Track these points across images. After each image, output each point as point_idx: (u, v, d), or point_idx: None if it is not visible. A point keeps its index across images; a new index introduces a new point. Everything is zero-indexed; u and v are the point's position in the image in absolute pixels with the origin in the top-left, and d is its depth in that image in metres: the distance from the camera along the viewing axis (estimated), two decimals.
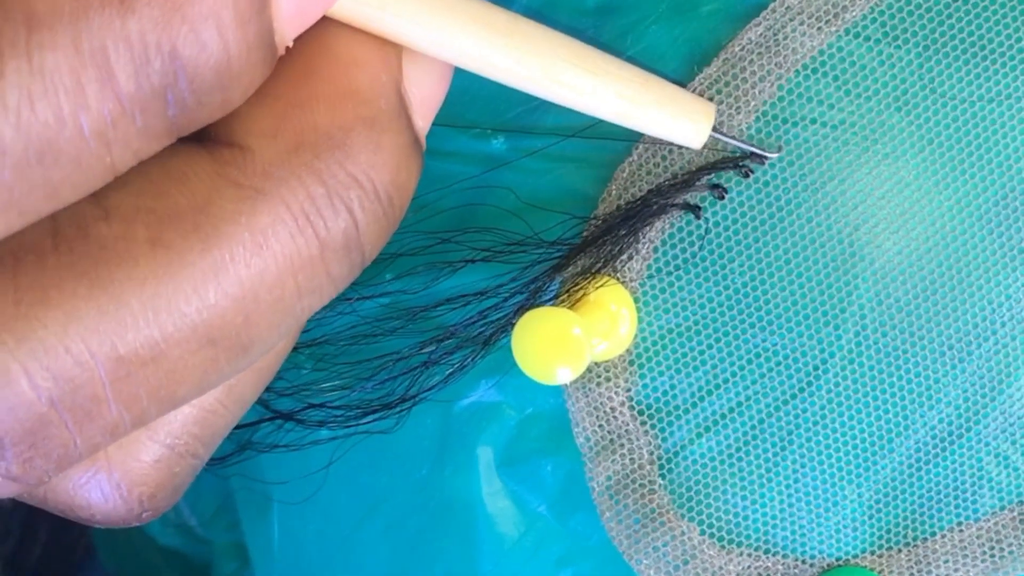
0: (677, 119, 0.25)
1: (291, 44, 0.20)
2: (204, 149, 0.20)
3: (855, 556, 0.29)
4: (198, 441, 0.24)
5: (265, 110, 0.21)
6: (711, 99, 0.27)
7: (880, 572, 0.29)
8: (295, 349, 0.30)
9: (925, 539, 0.29)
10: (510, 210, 0.29)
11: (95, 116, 0.18)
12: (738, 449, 0.29)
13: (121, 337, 0.19)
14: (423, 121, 0.23)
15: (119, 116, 0.18)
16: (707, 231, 0.28)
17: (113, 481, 0.23)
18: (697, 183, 0.28)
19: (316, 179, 0.20)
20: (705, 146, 0.27)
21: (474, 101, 0.29)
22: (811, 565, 0.29)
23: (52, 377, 0.19)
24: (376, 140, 0.21)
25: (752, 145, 0.27)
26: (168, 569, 0.44)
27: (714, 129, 0.27)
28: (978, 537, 0.29)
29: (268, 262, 0.20)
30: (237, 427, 0.31)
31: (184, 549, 0.44)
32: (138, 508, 0.23)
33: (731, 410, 0.29)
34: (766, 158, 0.27)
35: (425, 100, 0.23)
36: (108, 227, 0.19)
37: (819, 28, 0.27)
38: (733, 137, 0.27)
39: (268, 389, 0.30)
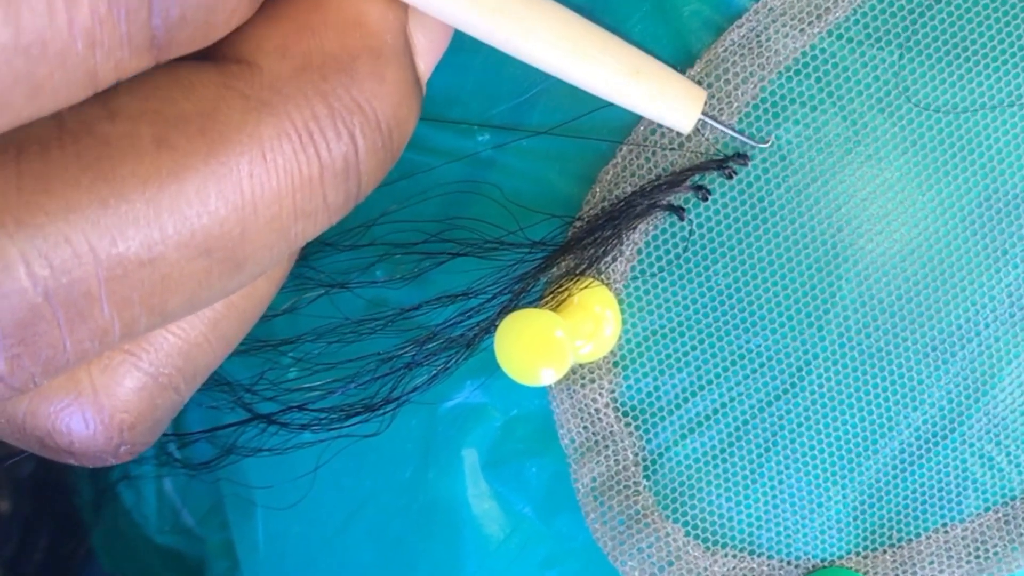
0: (669, 100, 0.25)
1: None
2: (212, 63, 0.21)
3: (840, 557, 0.29)
4: (181, 375, 0.24)
5: (274, 30, 0.21)
6: None
7: (865, 573, 0.29)
8: (279, 350, 0.30)
9: (910, 540, 0.29)
10: (497, 200, 0.29)
11: (84, 13, 0.18)
12: (723, 450, 0.29)
13: (121, 232, 0.19)
14: (425, 65, 0.24)
15: (105, 16, 0.18)
16: (691, 233, 0.28)
17: (96, 406, 0.23)
18: (681, 184, 0.28)
19: (321, 99, 0.21)
20: (691, 141, 0.27)
21: (460, 97, 0.29)
22: (796, 566, 0.29)
23: (49, 266, 0.19)
24: (380, 71, 0.22)
25: (740, 133, 0.27)
26: (165, 569, 0.45)
27: (706, 115, 0.27)
28: (963, 538, 0.29)
29: (270, 174, 0.20)
30: (220, 429, 0.31)
31: (180, 548, 0.44)
32: (118, 438, 0.23)
33: (715, 411, 0.29)
34: (754, 147, 0.27)
35: (428, 46, 0.24)
36: (113, 126, 0.19)
37: (801, 30, 0.27)
38: (723, 123, 0.27)
39: (251, 391, 0.31)
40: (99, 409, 0.23)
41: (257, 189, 0.20)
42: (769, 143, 0.27)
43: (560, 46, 0.24)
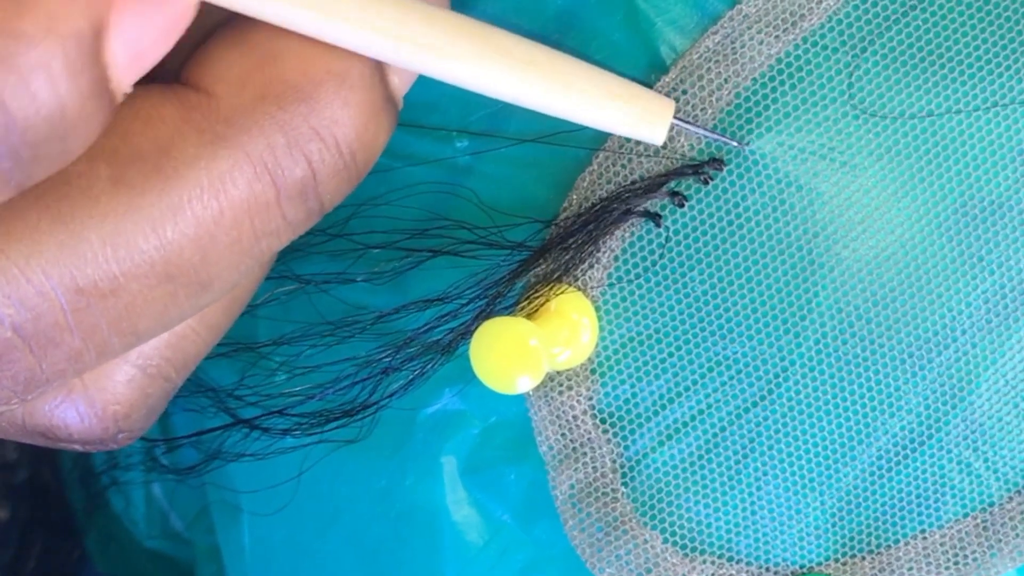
0: (638, 117, 0.25)
1: (130, 91, 0.20)
2: (172, 92, 0.21)
3: (819, 563, 0.29)
4: (170, 364, 0.24)
5: (237, 58, 0.21)
6: None
7: None
8: (260, 353, 0.30)
9: (888, 546, 0.29)
10: (476, 204, 0.29)
11: None
12: (700, 457, 0.29)
13: (80, 270, 0.20)
14: (400, 80, 0.24)
15: None
16: (667, 239, 0.28)
17: (87, 400, 0.24)
18: (657, 190, 0.28)
19: (278, 129, 0.21)
20: (666, 148, 0.27)
21: (438, 103, 0.29)
22: (775, 573, 0.29)
23: (13, 304, 0.19)
24: (344, 96, 0.22)
25: (715, 133, 0.27)
26: (157, 572, 0.45)
27: (679, 119, 0.27)
28: (941, 544, 0.29)
29: (224, 205, 0.21)
30: (202, 434, 0.31)
31: (170, 552, 0.44)
32: (113, 428, 0.24)
33: (693, 418, 0.29)
34: (731, 146, 0.27)
35: None
36: (72, 165, 0.20)
37: (776, 37, 0.27)
38: (697, 125, 0.27)
39: (235, 396, 0.31)
40: (91, 403, 0.24)
41: (213, 218, 0.21)
42: (745, 143, 0.27)
43: (523, 80, 0.24)
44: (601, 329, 0.28)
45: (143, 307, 0.21)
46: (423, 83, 0.26)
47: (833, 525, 0.29)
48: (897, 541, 0.29)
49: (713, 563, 0.29)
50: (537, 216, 0.28)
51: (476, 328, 0.27)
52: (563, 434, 0.29)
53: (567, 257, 0.28)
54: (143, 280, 0.20)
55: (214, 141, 0.21)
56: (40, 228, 0.19)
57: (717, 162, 0.27)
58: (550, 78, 0.24)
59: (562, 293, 0.28)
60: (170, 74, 0.22)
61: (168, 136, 0.20)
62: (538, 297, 0.28)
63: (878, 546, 0.29)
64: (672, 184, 0.28)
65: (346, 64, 0.22)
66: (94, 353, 0.21)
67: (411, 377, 0.28)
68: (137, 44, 0.19)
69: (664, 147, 0.27)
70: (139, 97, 0.21)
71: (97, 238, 0.20)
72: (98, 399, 0.24)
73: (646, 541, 0.29)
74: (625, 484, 0.29)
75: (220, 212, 0.21)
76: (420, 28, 0.22)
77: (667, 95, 0.27)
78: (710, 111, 0.27)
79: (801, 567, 0.29)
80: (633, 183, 0.28)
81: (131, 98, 0.21)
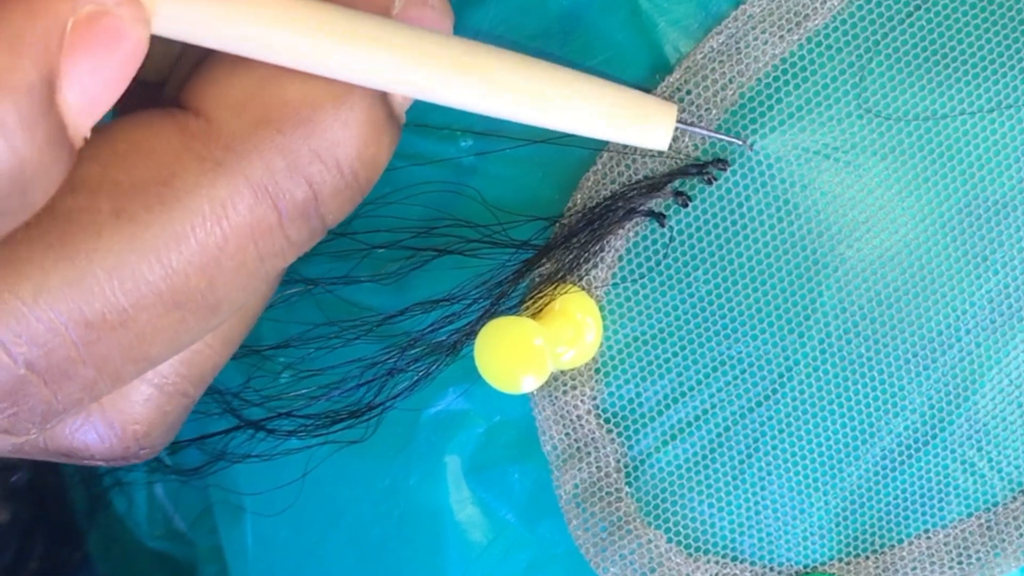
0: (639, 125, 0.25)
1: (88, 135, 0.20)
2: (171, 118, 0.21)
3: (823, 563, 0.29)
4: (186, 380, 0.24)
5: (235, 81, 0.21)
6: None
7: None
8: (266, 355, 0.30)
9: (892, 546, 0.29)
10: (480, 203, 0.29)
11: None
12: (704, 456, 0.29)
13: (89, 304, 0.20)
14: (403, 96, 0.24)
15: None
16: (671, 239, 0.28)
17: (106, 422, 0.24)
18: (661, 190, 0.28)
19: (278, 153, 0.21)
20: (670, 148, 0.27)
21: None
22: (779, 572, 0.29)
23: (25, 343, 0.20)
24: (344, 117, 0.22)
25: (719, 134, 0.27)
26: (159, 573, 0.45)
27: (681, 123, 0.27)
28: (945, 544, 0.29)
29: (227, 231, 0.21)
30: (209, 437, 0.31)
31: (172, 553, 0.44)
32: (134, 446, 0.24)
33: (697, 418, 0.29)
34: (735, 144, 0.27)
35: None
36: (74, 200, 0.20)
37: (781, 37, 0.27)
38: (699, 127, 0.27)
39: (240, 398, 0.31)
40: (110, 424, 0.24)
41: (217, 244, 0.21)
42: (749, 143, 0.27)
43: (520, 110, 0.24)
44: (605, 329, 0.28)
45: (153, 335, 0.21)
46: None
47: (837, 525, 0.29)
48: (901, 541, 0.29)
49: (717, 563, 0.29)
50: (542, 215, 0.28)
51: (480, 328, 0.27)
52: (567, 434, 0.29)
53: (571, 256, 0.28)
54: (151, 310, 0.21)
55: (214, 168, 0.21)
56: (45, 266, 0.20)
57: (721, 162, 0.27)
58: (551, 106, 0.24)
59: (566, 293, 0.28)
60: (168, 98, 0.22)
61: (169, 165, 0.20)
62: (542, 297, 0.28)
63: (882, 546, 0.29)
64: (676, 184, 0.28)
65: (346, 86, 0.22)
66: (108, 381, 0.21)
67: (416, 378, 0.28)
68: (91, 89, 0.19)
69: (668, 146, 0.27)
70: (138, 125, 0.21)
71: (103, 272, 0.20)
72: (117, 420, 0.24)
73: (650, 541, 0.29)
74: (629, 484, 0.29)
75: (223, 238, 0.21)
76: (415, 75, 0.22)
77: (671, 95, 0.27)
78: (714, 111, 0.27)
79: (805, 567, 0.29)
80: (637, 182, 0.28)
81: (131, 126, 0.21)
